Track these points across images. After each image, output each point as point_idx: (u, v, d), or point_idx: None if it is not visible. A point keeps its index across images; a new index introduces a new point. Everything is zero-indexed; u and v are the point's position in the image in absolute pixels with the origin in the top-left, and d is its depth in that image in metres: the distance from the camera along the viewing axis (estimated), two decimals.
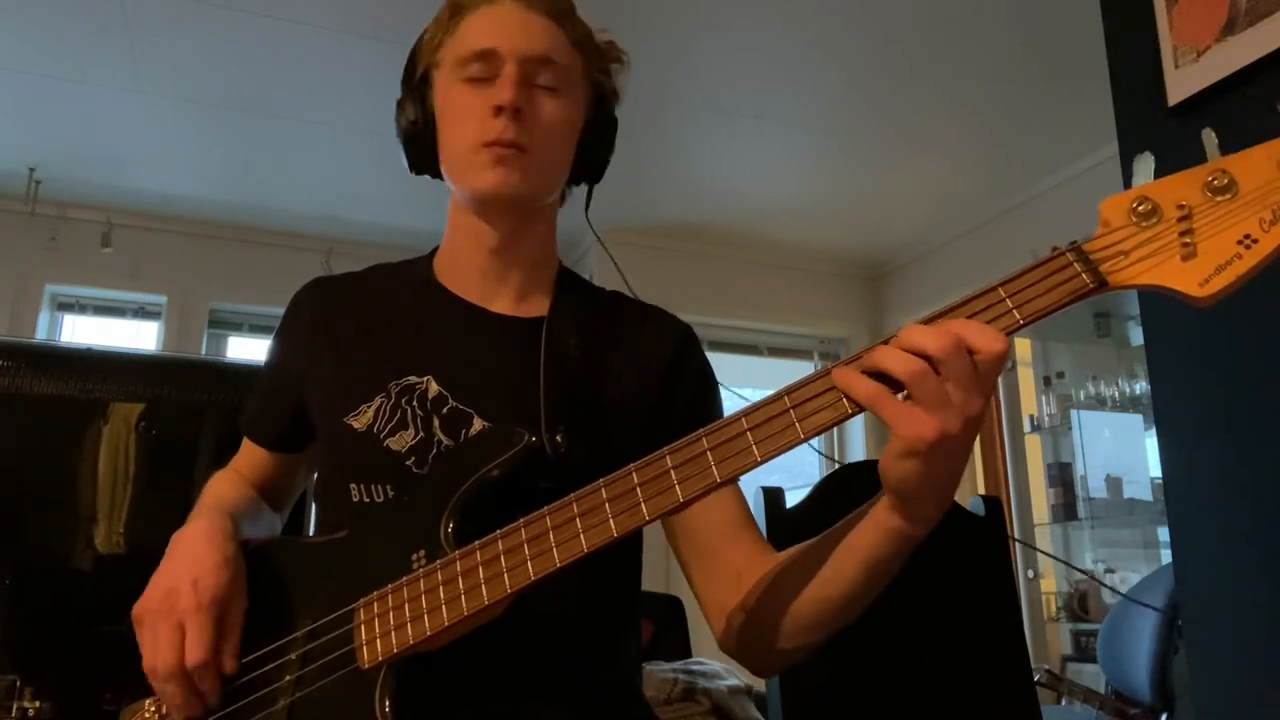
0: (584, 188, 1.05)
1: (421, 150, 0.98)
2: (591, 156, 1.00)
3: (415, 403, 0.91)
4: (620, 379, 0.95)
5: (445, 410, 0.90)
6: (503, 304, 0.98)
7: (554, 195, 1.00)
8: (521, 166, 0.91)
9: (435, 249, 1.04)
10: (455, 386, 0.91)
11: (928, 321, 0.67)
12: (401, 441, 0.90)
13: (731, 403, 0.89)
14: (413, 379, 0.92)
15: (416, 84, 0.97)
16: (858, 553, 0.76)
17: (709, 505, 0.87)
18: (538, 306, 0.98)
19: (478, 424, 0.90)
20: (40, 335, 3.99)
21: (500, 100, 0.89)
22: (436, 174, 0.99)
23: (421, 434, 0.90)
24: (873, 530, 0.75)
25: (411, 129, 0.97)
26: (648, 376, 0.96)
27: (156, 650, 0.79)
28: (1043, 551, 3.75)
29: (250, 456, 1.05)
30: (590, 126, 0.98)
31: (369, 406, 0.91)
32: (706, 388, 1.01)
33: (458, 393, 0.91)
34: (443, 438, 0.89)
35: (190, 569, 0.82)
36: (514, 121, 0.89)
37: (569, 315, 0.98)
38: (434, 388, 0.91)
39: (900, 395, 0.66)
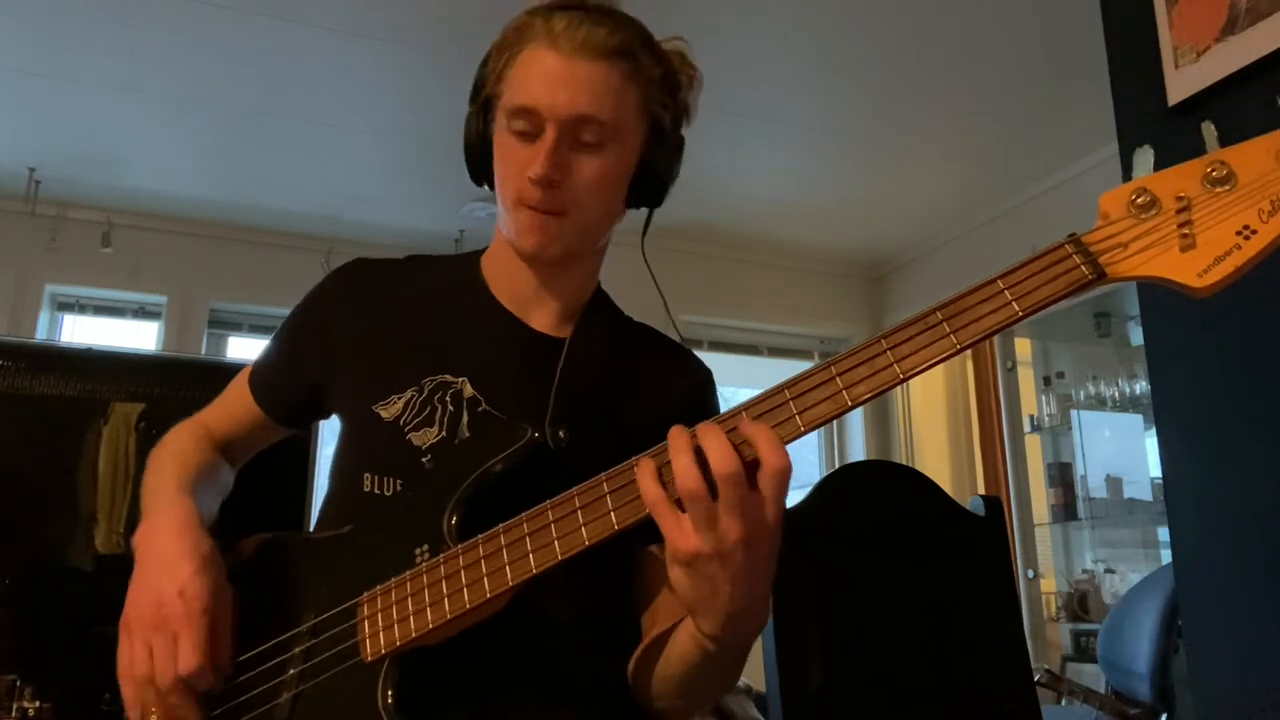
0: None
1: (479, 170, 0.98)
2: (647, 187, 0.98)
3: (449, 399, 0.91)
4: (635, 402, 0.97)
5: (479, 410, 0.91)
6: (542, 320, 0.98)
7: (598, 243, 0.99)
8: (558, 231, 0.91)
9: (484, 249, 1.04)
10: (489, 393, 0.92)
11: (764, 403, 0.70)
12: (424, 438, 0.90)
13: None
14: (448, 377, 0.92)
15: (482, 104, 0.96)
16: (674, 657, 0.83)
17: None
18: (571, 328, 0.99)
19: None
20: (40, 335, 3.99)
21: (532, 172, 0.88)
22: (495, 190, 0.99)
23: (444, 434, 0.90)
24: (685, 637, 0.79)
25: (471, 152, 0.98)
26: (662, 405, 0.96)
27: (153, 663, 0.80)
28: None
29: (237, 410, 1.04)
30: (646, 160, 0.95)
31: (399, 398, 0.92)
32: None
33: (491, 399, 0.91)
34: (466, 436, 0.90)
35: (173, 577, 0.82)
36: (548, 191, 0.89)
37: (593, 337, 0.98)
38: (469, 390, 0.92)
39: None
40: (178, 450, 0.99)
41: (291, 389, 1.01)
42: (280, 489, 1.51)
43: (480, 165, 0.97)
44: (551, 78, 0.88)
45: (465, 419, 0.90)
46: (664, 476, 0.69)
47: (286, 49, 2.95)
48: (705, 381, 1.03)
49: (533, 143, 0.89)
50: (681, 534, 0.67)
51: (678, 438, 0.69)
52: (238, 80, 3.14)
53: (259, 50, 2.96)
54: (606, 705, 0.90)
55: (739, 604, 0.71)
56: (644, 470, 0.70)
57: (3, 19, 2.80)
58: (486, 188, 0.99)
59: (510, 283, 0.99)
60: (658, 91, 0.94)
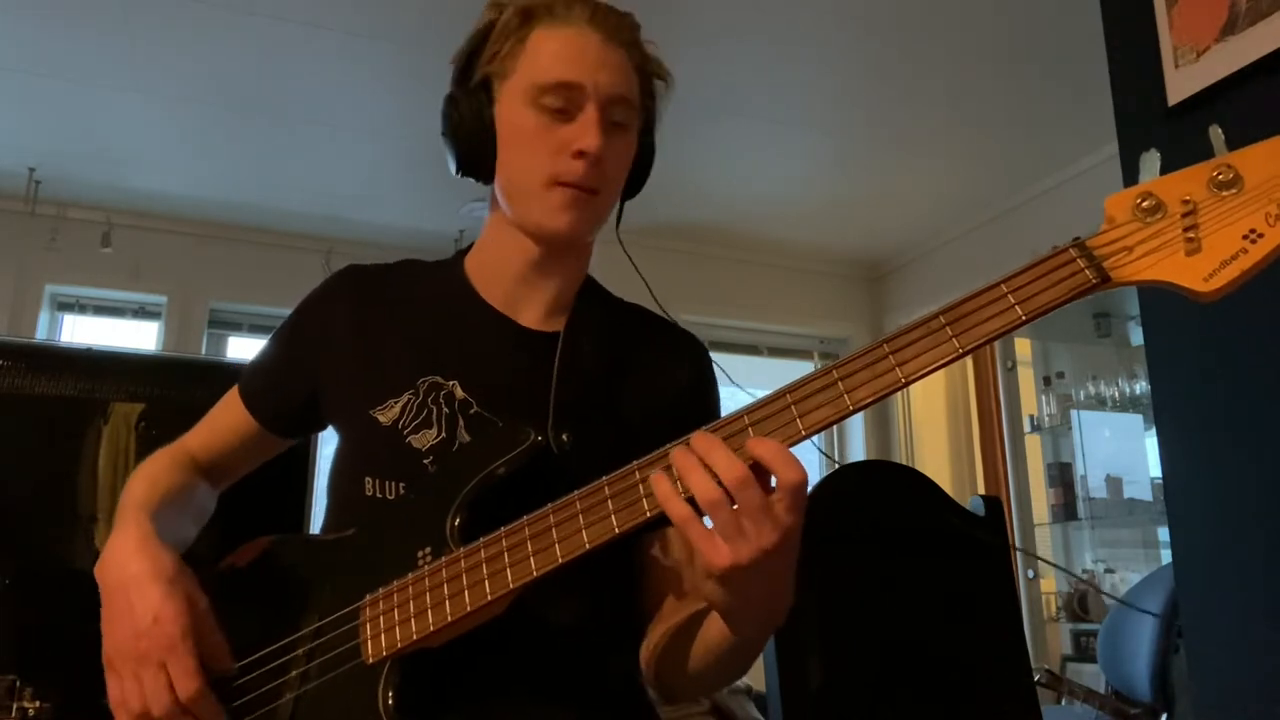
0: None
1: (474, 159, 0.94)
2: (634, 178, 0.99)
3: (443, 401, 0.91)
4: (634, 394, 0.96)
5: (471, 413, 0.90)
6: (529, 316, 0.97)
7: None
8: (593, 209, 0.92)
9: (467, 248, 1.03)
10: (479, 393, 0.91)
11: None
12: (423, 440, 0.90)
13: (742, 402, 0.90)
14: (440, 379, 0.92)
15: (473, 88, 0.94)
16: (704, 652, 0.84)
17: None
18: (562, 321, 0.98)
19: None
20: (40, 335, 3.99)
21: (585, 145, 0.87)
22: (483, 180, 0.97)
23: (444, 435, 0.89)
24: (715, 629, 0.81)
25: (465, 135, 0.93)
26: (663, 396, 0.97)
27: (146, 695, 0.79)
28: (1041, 557, 3.75)
29: (228, 424, 1.02)
30: (638, 150, 0.97)
31: (396, 402, 0.91)
32: (719, 409, 1.02)
33: (481, 400, 0.91)
34: (466, 440, 0.90)
35: (144, 605, 0.80)
36: (592, 168, 0.88)
37: (586, 329, 0.98)
38: (460, 392, 0.91)
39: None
40: (148, 475, 0.96)
41: (289, 395, 1.00)
42: (280, 491, 1.51)
43: (478, 150, 0.93)
44: (589, 56, 0.89)
45: (461, 421, 0.90)
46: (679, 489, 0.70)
47: (287, 49, 2.95)
48: (704, 365, 1.03)
49: (565, 122, 0.88)
50: (716, 550, 0.67)
51: (683, 459, 0.69)
52: (238, 80, 3.14)
53: (259, 50, 2.96)
54: (607, 706, 0.90)
55: (769, 605, 0.74)
56: (667, 491, 0.69)
57: (3, 19, 2.80)
58: (473, 180, 0.96)
59: (499, 280, 0.98)
60: (648, 85, 0.98)
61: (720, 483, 0.67)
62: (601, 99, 0.89)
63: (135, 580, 0.81)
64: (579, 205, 0.90)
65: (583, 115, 0.88)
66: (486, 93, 0.93)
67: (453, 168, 0.97)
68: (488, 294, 0.98)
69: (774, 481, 0.68)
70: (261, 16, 2.78)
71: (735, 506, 0.67)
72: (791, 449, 0.69)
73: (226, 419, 1.03)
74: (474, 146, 0.93)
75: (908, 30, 2.85)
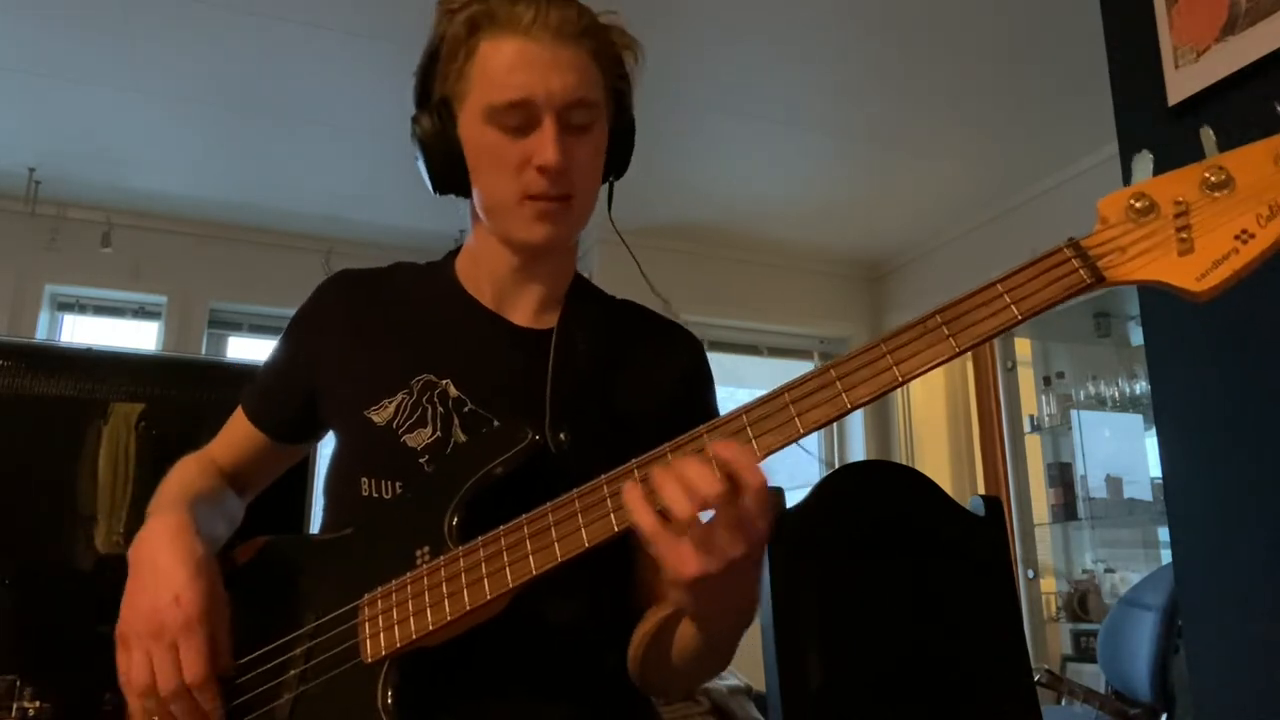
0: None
1: (447, 178, 0.94)
2: (614, 159, 0.98)
3: (437, 400, 0.91)
4: (629, 390, 0.96)
5: (466, 410, 0.90)
6: (521, 314, 0.98)
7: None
8: (567, 218, 0.91)
9: (457, 249, 1.04)
10: (473, 391, 0.92)
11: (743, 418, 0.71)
12: (419, 439, 0.90)
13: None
14: (433, 378, 0.92)
15: (434, 108, 0.93)
16: (679, 652, 0.86)
17: None
18: (553, 318, 0.98)
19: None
20: (40, 335, 3.99)
21: (544, 160, 0.86)
22: (462, 195, 0.97)
23: (439, 434, 0.90)
24: (689, 630, 0.83)
25: (435, 159, 0.93)
26: (659, 391, 0.97)
27: (154, 673, 0.79)
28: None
29: (238, 437, 1.04)
30: (612, 133, 0.96)
31: (390, 402, 0.91)
32: (715, 403, 1.02)
33: (475, 398, 0.91)
34: (461, 438, 0.90)
35: (168, 584, 0.81)
36: (557, 179, 0.88)
37: (579, 326, 0.98)
38: (453, 390, 0.91)
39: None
40: (181, 475, 0.99)
41: (288, 403, 1.01)
42: (280, 491, 1.51)
43: (450, 170, 0.93)
44: (538, 66, 0.87)
45: (456, 420, 0.90)
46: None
47: (287, 49, 2.95)
48: (700, 359, 1.03)
49: (524, 136, 0.88)
50: (683, 561, 0.68)
51: (659, 474, 0.69)
52: (238, 80, 3.14)
53: (259, 50, 2.96)
54: (606, 703, 0.90)
55: (738, 606, 0.77)
56: (637, 502, 0.69)
57: (3, 19, 2.80)
58: (453, 196, 0.96)
59: (490, 280, 0.98)
60: (615, 65, 0.95)
61: (697, 498, 0.67)
62: (557, 107, 0.87)
63: (164, 561, 0.83)
64: (553, 217, 0.90)
65: (539, 130, 0.87)
66: (448, 112, 0.92)
67: (430, 188, 0.97)
68: (478, 294, 0.99)
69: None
70: (261, 16, 2.78)
71: (712, 521, 0.67)
72: (776, 452, 0.70)
73: (237, 433, 1.04)
74: (445, 168, 0.93)
75: (907, 30, 2.86)
